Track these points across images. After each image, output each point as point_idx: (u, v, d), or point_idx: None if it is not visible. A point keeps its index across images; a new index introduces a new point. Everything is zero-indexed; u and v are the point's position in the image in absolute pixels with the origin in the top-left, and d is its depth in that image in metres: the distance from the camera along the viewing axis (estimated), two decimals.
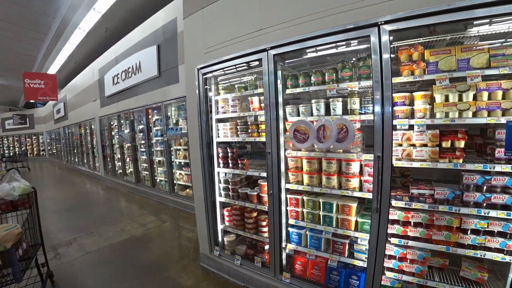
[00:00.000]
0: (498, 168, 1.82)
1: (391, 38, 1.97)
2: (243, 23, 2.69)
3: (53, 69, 12.49)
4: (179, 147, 5.81)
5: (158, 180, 6.76)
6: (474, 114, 1.89)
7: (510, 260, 1.83)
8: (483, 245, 1.93)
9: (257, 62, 2.66)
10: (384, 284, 2.28)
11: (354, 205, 2.30)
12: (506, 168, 1.80)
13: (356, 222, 2.33)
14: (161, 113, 6.22)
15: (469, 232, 1.97)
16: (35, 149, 21.51)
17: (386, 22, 1.92)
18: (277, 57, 2.53)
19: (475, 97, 1.91)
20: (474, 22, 1.81)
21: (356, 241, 2.36)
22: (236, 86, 3.16)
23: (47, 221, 5.49)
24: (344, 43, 2.23)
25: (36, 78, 10.41)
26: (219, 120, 3.26)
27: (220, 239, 3.38)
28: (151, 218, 5.53)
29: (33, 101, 14.09)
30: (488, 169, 1.85)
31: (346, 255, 2.43)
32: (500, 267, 2.09)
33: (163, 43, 6.05)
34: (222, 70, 2.97)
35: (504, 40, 2.00)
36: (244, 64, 2.77)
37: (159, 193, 6.63)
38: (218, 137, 3.21)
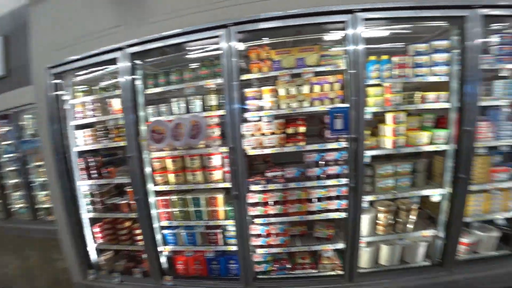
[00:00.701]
0: (329, 146, 2.29)
1: (240, 38, 2.18)
2: (99, 17, 2.44)
3: None
4: (40, 163, 4.75)
5: (15, 208, 5.33)
6: (311, 104, 2.30)
7: (345, 215, 2.32)
8: (326, 208, 2.38)
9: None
10: (258, 261, 2.53)
11: (220, 196, 2.44)
12: (334, 145, 2.28)
13: (225, 211, 2.48)
14: (12, 122, 4.94)
15: (314, 200, 2.39)
16: None
17: (235, 24, 2.11)
18: (135, 56, 2.41)
19: (311, 90, 2.31)
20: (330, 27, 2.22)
21: (227, 228, 2.52)
22: (95, 87, 2.82)
23: None
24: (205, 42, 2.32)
25: None
26: (78, 127, 2.84)
27: (95, 260, 2.97)
28: (7, 259, 4.35)
29: None
30: (323, 148, 2.29)
31: (220, 244, 2.56)
32: (340, 222, 2.56)
33: (13, 33, 4.77)
34: (77, 69, 2.62)
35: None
36: (102, 64, 2.53)
37: (18, 224, 5.23)
38: (77, 145, 2.79)
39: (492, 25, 2.29)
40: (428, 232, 2.39)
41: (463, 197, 2.25)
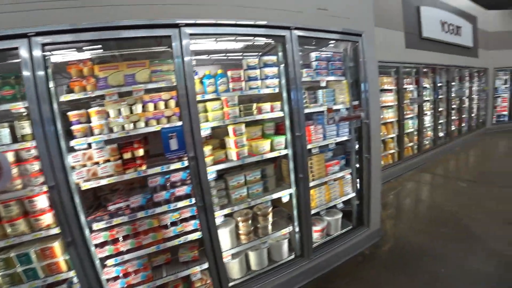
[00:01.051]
0: (173, 166, 2.16)
1: (50, 50, 1.85)
2: None
3: None
4: None
5: None
6: (146, 124, 2.12)
7: (203, 235, 2.25)
8: (183, 231, 2.26)
9: None
10: None
11: (56, 244, 2.01)
12: (178, 165, 2.16)
13: (66, 260, 2.06)
14: None
15: (169, 226, 2.25)
16: None
17: (38, 34, 1.73)
18: None
19: (144, 109, 2.14)
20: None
21: (75, 280, 2.11)
22: None
23: None
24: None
25: None
26: None
27: None
28: None
29: None
30: (166, 169, 2.14)
31: None
32: (202, 242, 2.50)
33: None
34: None
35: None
36: None
37: None
38: None
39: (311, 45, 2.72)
40: (287, 230, 2.62)
41: (307, 193, 2.55)
